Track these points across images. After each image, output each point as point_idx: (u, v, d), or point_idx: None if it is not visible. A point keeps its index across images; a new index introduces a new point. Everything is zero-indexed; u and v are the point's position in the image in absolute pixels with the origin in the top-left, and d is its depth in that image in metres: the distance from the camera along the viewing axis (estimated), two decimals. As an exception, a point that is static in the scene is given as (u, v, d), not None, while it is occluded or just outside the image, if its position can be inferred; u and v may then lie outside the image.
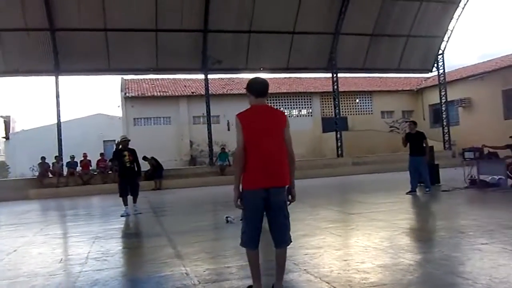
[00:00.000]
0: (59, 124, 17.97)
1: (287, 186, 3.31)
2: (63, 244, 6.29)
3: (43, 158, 17.56)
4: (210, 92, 20.29)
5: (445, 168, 13.42)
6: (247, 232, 3.27)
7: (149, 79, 27.59)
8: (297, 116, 27.48)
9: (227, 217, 7.24)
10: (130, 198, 9.18)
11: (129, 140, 9.24)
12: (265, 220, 3.31)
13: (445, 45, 22.46)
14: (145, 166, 15.28)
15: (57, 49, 17.40)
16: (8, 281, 4.22)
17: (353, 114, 28.46)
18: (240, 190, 3.29)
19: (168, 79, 28.21)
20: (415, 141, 9.73)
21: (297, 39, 20.28)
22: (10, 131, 32.84)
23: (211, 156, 20.15)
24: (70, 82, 69.52)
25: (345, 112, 27.49)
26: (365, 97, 29.12)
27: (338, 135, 21.09)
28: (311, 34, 20.47)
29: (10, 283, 4.12)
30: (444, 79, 22.63)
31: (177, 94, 26.31)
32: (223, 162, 19.49)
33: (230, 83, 28.27)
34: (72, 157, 17.71)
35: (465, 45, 74.18)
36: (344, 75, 24.16)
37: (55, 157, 17.58)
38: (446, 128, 22.42)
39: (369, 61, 21.88)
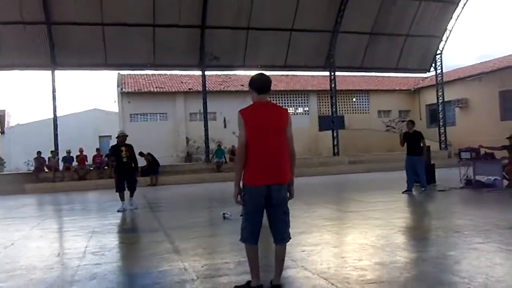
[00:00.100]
0: (55, 118, 17.89)
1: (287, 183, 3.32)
2: (61, 238, 6.28)
3: (39, 152, 17.50)
4: (207, 89, 20.25)
5: (440, 168, 13.49)
6: (247, 227, 3.29)
7: (146, 74, 27.51)
8: (294, 114, 27.50)
9: (224, 214, 7.27)
10: (126, 193, 9.18)
11: (126, 136, 9.23)
12: (264, 217, 3.33)
13: (444, 45, 22.56)
14: (141, 162, 15.27)
15: (54, 43, 17.30)
16: (6, 274, 4.21)
17: (350, 113, 28.54)
18: (241, 186, 3.30)
19: (165, 75, 28.13)
20: (412, 140, 9.77)
21: (295, 37, 20.28)
22: (5, 126, 32.67)
23: (208, 153, 20.14)
24: (66, 77, 69.10)
25: (342, 110, 27.56)
26: (362, 96, 29.21)
27: (335, 134, 21.14)
28: (310, 32, 20.46)
29: (8, 276, 4.12)
30: (442, 79, 22.73)
31: (173, 90, 26.26)
32: (220, 159, 19.49)
33: (227, 80, 28.24)
34: (68, 152, 17.65)
35: (463, 46, 74.52)
36: (342, 74, 24.19)
37: (51, 151, 17.53)
38: (442, 128, 22.52)
39: (367, 60, 21.93)
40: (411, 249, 4.65)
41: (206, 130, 19.81)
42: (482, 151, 10.03)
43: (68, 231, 6.87)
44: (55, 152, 17.50)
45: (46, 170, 17.34)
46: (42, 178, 16.83)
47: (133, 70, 23.02)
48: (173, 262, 4.37)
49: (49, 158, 17.51)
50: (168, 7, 17.86)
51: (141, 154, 16.67)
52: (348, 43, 21.16)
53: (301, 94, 27.96)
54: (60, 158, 17.66)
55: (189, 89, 26.15)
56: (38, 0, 16.30)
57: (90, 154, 18.46)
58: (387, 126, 28.74)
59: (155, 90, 26.11)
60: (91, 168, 17.86)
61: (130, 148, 9.08)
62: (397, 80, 30.49)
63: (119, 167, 9.07)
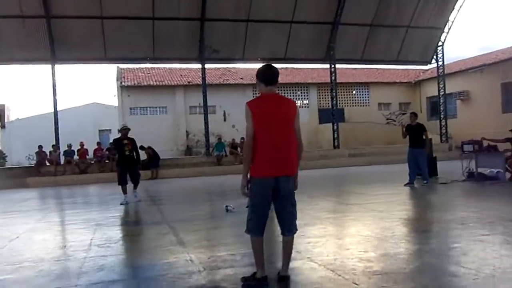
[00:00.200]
0: (55, 113, 17.88)
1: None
2: (66, 231, 6.30)
3: (40, 146, 17.51)
4: (206, 82, 20.21)
5: (441, 161, 13.51)
6: (253, 219, 3.29)
7: (145, 68, 27.43)
8: (294, 107, 27.43)
9: (226, 206, 7.28)
10: (129, 186, 9.19)
11: (129, 129, 9.23)
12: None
13: (445, 37, 22.44)
14: (141, 156, 15.26)
15: (53, 37, 17.25)
16: (13, 266, 4.23)
17: (350, 106, 28.50)
18: (248, 177, 3.29)
19: (164, 68, 28.05)
20: (415, 133, 9.75)
21: (295, 29, 20.19)
22: (5, 120, 32.65)
23: (208, 146, 20.15)
24: (65, 71, 68.90)
25: (342, 103, 27.52)
26: (362, 89, 29.14)
27: (335, 127, 21.13)
28: (310, 24, 20.37)
29: (16, 268, 4.14)
30: (443, 71, 22.64)
31: (173, 83, 26.19)
32: (220, 152, 19.51)
33: (227, 73, 28.16)
34: (69, 146, 17.66)
35: (463, 38, 74.26)
36: (341, 66, 24.12)
37: (52, 145, 17.55)
38: (443, 121, 22.50)
39: (367, 52, 21.84)
40: (416, 240, 4.67)
41: (206, 123, 19.79)
42: (485, 143, 10.03)
43: (72, 224, 6.88)
44: (56, 146, 17.52)
45: (48, 164, 17.36)
46: (44, 172, 16.87)
47: (133, 63, 22.96)
48: (179, 254, 4.39)
49: (50, 152, 17.54)
50: (167, 0, 17.77)
51: (141, 147, 16.68)
52: (349, 35, 21.06)
53: (301, 87, 27.90)
54: (61, 152, 17.67)
55: (189, 82, 26.08)
56: (37, -7, 16.22)
57: (90, 148, 18.46)
58: (388, 118, 28.73)
59: (155, 83, 26.04)
60: (92, 162, 17.88)
61: (132, 141, 9.10)
62: (397, 73, 30.41)
63: (122, 160, 9.08)
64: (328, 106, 24.21)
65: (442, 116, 22.60)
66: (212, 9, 18.45)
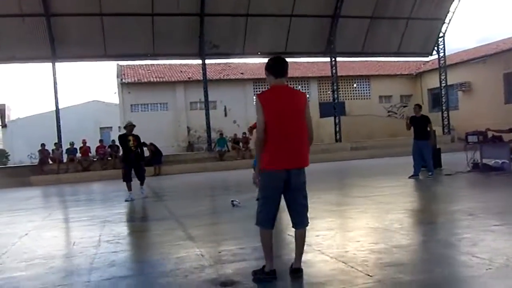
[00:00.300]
0: (57, 111, 17.88)
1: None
2: (74, 228, 6.31)
3: (43, 145, 17.52)
4: (206, 77, 20.16)
5: (444, 152, 13.48)
6: (263, 211, 3.28)
7: (145, 65, 27.37)
8: (295, 101, 27.37)
9: (232, 201, 7.30)
10: (133, 183, 9.19)
11: (134, 126, 9.23)
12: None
13: (446, 28, 22.32)
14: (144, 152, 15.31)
15: (53, 35, 17.21)
16: (25, 263, 4.24)
17: (351, 99, 28.43)
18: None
19: (164, 64, 27.98)
20: (419, 124, 9.71)
21: (295, 23, 20.11)
22: (6, 119, 32.67)
23: (210, 141, 20.14)
24: (66, 69, 68.79)
25: (343, 97, 27.45)
26: (363, 82, 29.06)
27: (337, 120, 21.09)
28: (310, 17, 20.29)
29: (28, 265, 4.14)
30: (445, 62, 22.56)
31: (173, 79, 26.14)
32: (222, 147, 19.51)
33: (227, 68, 28.08)
34: (72, 144, 17.68)
35: (462, 29, 73.96)
36: (342, 60, 24.05)
37: (55, 143, 17.57)
38: (445, 112, 22.44)
39: (368, 45, 21.77)
40: (426, 232, 4.67)
41: (207, 119, 19.77)
42: (490, 134, 10.00)
43: (79, 221, 6.89)
44: (58, 144, 17.54)
45: (51, 162, 17.39)
46: (47, 170, 16.90)
47: (133, 60, 22.87)
48: (189, 249, 4.39)
49: (53, 150, 17.55)
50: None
51: (144, 144, 16.70)
52: (349, 28, 20.97)
53: (302, 81, 27.82)
54: (64, 150, 17.68)
55: (189, 78, 26.02)
56: (36, -8, 16.16)
57: (92, 146, 18.48)
58: (389, 111, 28.68)
59: (155, 80, 26.00)
60: (95, 159, 17.89)
61: (137, 138, 9.12)
62: (398, 65, 30.31)
63: (127, 157, 9.08)
64: (329, 99, 24.16)
65: (444, 107, 22.54)
66: (211, 4, 18.37)
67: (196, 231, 5.35)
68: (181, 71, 27.20)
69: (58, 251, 4.65)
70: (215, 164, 18.38)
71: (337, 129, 21.05)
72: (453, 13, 21.91)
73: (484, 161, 10.01)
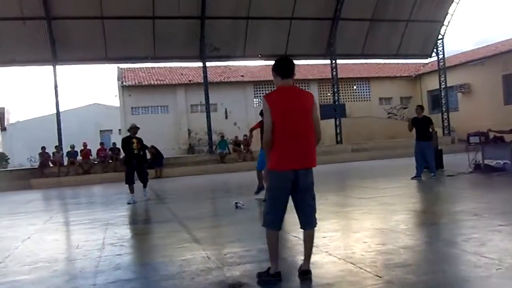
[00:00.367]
0: (58, 113, 17.88)
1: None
2: (76, 231, 6.26)
3: (43, 148, 17.51)
4: (207, 80, 20.14)
5: (445, 154, 13.45)
6: (271, 212, 3.25)
7: (146, 68, 27.39)
8: (295, 103, 27.37)
9: (236, 203, 7.27)
10: (136, 186, 9.16)
11: (138, 128, 9.21)
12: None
13: (445, 30, 22.42)
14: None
15: (54, 38, 17.22)
16: (29, 266, 4.20)
17: (351, 101, 28.48)
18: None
19: (164, 67, 28.01)
20: (421, 125, 9.70)
21: (295, 25, 20.15)
22: (5, 123, 32.66)
23: (211, 144, 20.13)
24: (66, 72, 68.94)
25: (343, 99, 27.48)
26: (362, 84, 29.11)
27: (337, 122, 21.09)
28: (310, 20, 20.33)
29: (32, 269, 4.11)
30: (444, 64, 22.63)
31: (174, 82, 26.17)
32: (223, 150, 19.50)
33: (227, 71, 28.12)
34: (72, 147, 17.66)
35: (460, 31, 74.15)
36: (342, 62, 24.09)
37: (55, 146, 17.55)
38: (445, 114, 22.47)
39: (368, 47, 21.82)
40: (432, 232, 4.64)
41: (208, 121, 19.77)
42: (491, 135, 10.00)
43: (81, 223, 6.85)
44: (59, 147, 17.52)
45: (51, 165, 17.35)
46: (48, 173, 16.87)
47: (134, 63, 22.90)
48: (195, 251, 4.36)
49: (53, 153, 17.53)
50: (167, -1, 17.74)
51: (145, 147, 16.70)
52: (349, 31, 21.03)
53: (302, 83, 27.76)
54: (64, 153, 17.65)
55: (189, 81, 26.05)
56: (38, -5, 16.19)
57: (92, 148, 18.46)
58: (389, 113, 28.72)
59: (156, 82, 26.02)
60: (96, 162, 17.86)
61: (140, 141, 9.11)
62: (397, 67, 30.38)
63: (130, 159, 9.05)
64: (329, 102, 24.18)
65: (444, 109, 22.57)
66: (212, 7, 18.40)
67: (201, 233, 5.32)
68: (182, 74, 27.22)
69: (62, 254, 4.62)
70: (216, 167, 18.36)
71: (338, 131, 21.05)
72: (452, 15, 21.98)
73: (486, 162, 10.00)
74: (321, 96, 27.83)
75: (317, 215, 3.37)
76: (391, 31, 21.88)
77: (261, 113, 8.08)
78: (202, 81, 20.14)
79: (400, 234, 4.49)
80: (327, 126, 23.29)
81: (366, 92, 29.11)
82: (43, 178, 16.50)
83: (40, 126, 27.52)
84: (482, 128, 10.60)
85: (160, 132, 23.53)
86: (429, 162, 9.81)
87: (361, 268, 3.36)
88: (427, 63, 28.25)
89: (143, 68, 27.37)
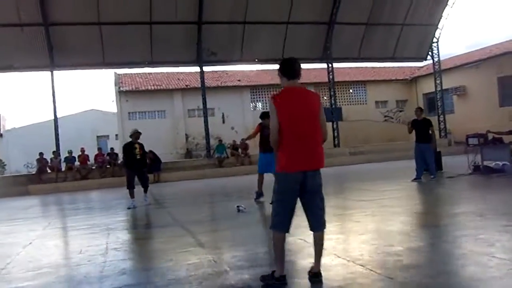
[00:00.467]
0: (55, 119, 17.79)
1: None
2: (78, 236, 6.19)
3: (41, 153, 17.37)
4: (204, 84, 20.11)
5: (442, 156, 13.48)
6: (279, 214, 3.22)
7: (143, 73, 27.33)
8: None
9: (238, 206, 7.24)
10: (135, 191, 9.10)
11: (140, 133, 9.17)
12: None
13: (440, 33, 22.58)
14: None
15: (52, 44, 17.17)
16: (32, 272, 4.15)
17: (347, 105, 28.52)
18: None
19: (161, 72, 27.97)
20: (421, 128, 9.72)
21: (291, 30, 20.20)
22: (1, 129, 32.46)
23: (209, 148, 20.07)
24: (63, 78, 68.76)
25: (339, 102, 27.49)
26: (359, 87, 29.20)
27: (335, 125, 21.13)
28: (306, 24, 20.40)
29: (36, 275, 4.05)
30: (439, 67, 22.77)
31: (171, 87, 26.11)
32: (221, 154, 19.45)
33: (224, 75, 28.11)
34: (70, 152, 17.55)
35: (452, 35, 74.80)
36: (338, 66, 24.15)
37: (53, 152, 17.44)
38: (441, 116, 22.58)
39: (364, 51, 21.90)
40: (438, 233, 4.63)
41: (206, 125, 19.72)
42: (490, 136, 10.04)
43: (82, 229, 6.77)
44: (56, 153, 17.40)
45: (49, 171, 17.23)
46: (45, 179, 16.73)
47: (131, 68, 22.78)
48: (200, 255, 4.32)
49: (51, 159, 17.40)
50: (164, 4, 17.73)
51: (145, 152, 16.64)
52: (345, 34, 21.11)
53: (299, 87, 27.82)
54: (62, 159, 17.54)
55: (186, 85, 26.01)
56: (35, 1, 16.16)
57: (89, 154, 18.31)
58: (385, 116, 28.81)
59: (153, 88, 25.96)
60: (93, 168, 17.75)
61: (142, 146, 9.09)
62: (393, 71, 30.52)
63: (132, 164, 9.00)
64: (326, 105, 24.19)
65: (440, 111, 22.69)
66: (209, 12, 18.42)
67: (204, 237, 5.28)
68: (179, 79, 27.19)
69: (65, 260, 4.57)
70: (214, 171, 18.29)
71: (335, 134, 21.08)
72: (446, 18, 22.18)
73: (485, 163, 10.03)
74: (317, 100, 27.79)
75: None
76: (387, 35, 22.00)
77: (262, 116, 8.11)
78: (199, 86, 20.09)
79: (406, 235, 4.49)
80: (325, 130, 23.31)
81: (362, 95, 29.20)
82: (41, 184, 16.36)
83: (36, 133, 27.36)
84: (478, 130, 10.65)
85: (158, 137, 23.41)
86: (429, 164, 9.81)
87: (371, 270, 3.34)
88: (422, 66, 28.42)
89: (140, 73, 27.30)
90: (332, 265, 3.60)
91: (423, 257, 3.65)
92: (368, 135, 23.93)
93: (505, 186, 8.28)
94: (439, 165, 11.30)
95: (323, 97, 27.07)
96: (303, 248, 4.19)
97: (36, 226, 7.49)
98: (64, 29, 17.22)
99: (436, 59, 22.78)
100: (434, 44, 22.79)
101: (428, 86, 25.43)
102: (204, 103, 19.71)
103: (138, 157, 8.91)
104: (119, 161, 17.04)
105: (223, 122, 25.81)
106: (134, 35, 18.21)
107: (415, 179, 9.62)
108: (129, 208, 8.71)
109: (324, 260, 3.66)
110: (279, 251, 3.25)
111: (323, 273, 3.24)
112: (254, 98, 26.59)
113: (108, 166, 17.49)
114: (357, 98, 29.11)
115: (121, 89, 25.07)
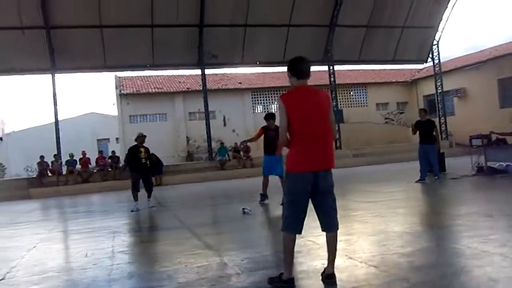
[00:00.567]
0: (56, 122, 17.78)
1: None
2: (82, 239, 6.12)
3: (42, 157, 17.32)
4: (206, 87, 20.10)
5: (445, 157, 13.50)
6: (291, 216, 3.17)
7: (144, 76, 27.35)
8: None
9: (243, 209, 7.20)
10: (141, 194, 9.07)
11: (145, 136, 9.17)
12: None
13: (440, 35, 22.63)
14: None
15: (53, 47, 17.18)
16: (38, 276, 4.08)
17: (348, 107, 28.49)
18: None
19: (162, 75, 27.93)
20: (425, 129, 9.71)
21: (292, 32, 20.24)
22: (1, 133, 32.42)
23: (210, 151, 20.03)
24: (63, 82, 68.57)
25: (341, 104, 27.48)
26: (359, 90, 29.18)
27: (336, 127, 21.11)
28: (307, 27, 20.44)
29: (42, 278, 3.99)
30: (440, 69, 22.81)
31: (172, 90, 26.08)
32: (223, 157, 19.41)
33: (224, 78, 28.08)
34: (71, 156, 17.52)
35: (451, 38, 75.00)
36: (339, 68, 24.18)
37: (54, 155, 17.40)
38: (442, 118, 22.58)
39: (364, 53, 21.96)
40: (449, 234, 4.59)
41: (208, 128, 19.71)
42: (494, 137, 10.02)
43: (87, 232, 6.72)
44: (58, 156, 17.35)
45: (50, 174, 17.18)
46: (46, 183, 16.68)
47: (133, 71, 22.82)
48: (210, 257, 4.27)
49: (52, 162, 17.35)
50: (165, 7, 17.75)
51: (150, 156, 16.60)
52: (346, 37, 21.16)
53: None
54: (63, 162, 17.49)
55: (187, 88, 25.98)
56: (36, 4, 16.19)
57: (90, 157, 18.27)
58: (386, 118, 28.80)
59: (153, 90, 25.91)
60: (95, 171, 17.71)
61: (147, 150, 9.07)
62: (393, 73, 30.52)
63: (137, 168, 8.97)
64: (328, 107, 24.16)
65: (440, 113, 22.69)
66: (210, 15, 18.45)
67: (212, 240, 5.23)
68: (180, 82, 27.16)
69: (71, 263, 4.52)
70: (216, 174, 18.26)
71: (338, 136, 21.06)
72: (446, 21, 22.21)
73: (489, 164, 10.01)
74: (318, 102, 27.78)
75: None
76: (387, 37, 22.05)
77: (266, 117, 8.08)
78: (200, 88, 20.09)
79: (416, 236, 4.45)
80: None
81: (363, 97, 29.19)
82: (42, 188, 16.31)
83: (36, 136, 27.31)
84: (479, 131, 10.62)
85: (159, 140, 23.30)
86: (433, 165, 9.80)
87: (385, 271, 3.30)
88: (422, 69, 28.44)
89: (141, 76, 27.30)
90: (344, 266, 3.56)
91: (436, 257, 3.61)
92: (369, 137, 23.92)
93: (509, 187, 8.25)
94: (443, 167, 11.29)
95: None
96: (312, 249, 4.14)
97: (40, 229, 7.44)
98: (65, 32, 17.24)
99: (436, 61, 22.82)
100: (434, 47, 22.84)
101: (429, 88, 25.44)
102: (206, 105, 19.70)
103: (143, 160, 8.89)
104: (120, 164, 17.01)
105: (224, 124, 25.76)
106: (136, 38, 18.24)
107: (419, 180, 9.59)
108: (132, 211, 8.66)
109: (336, 262, 3.62)
110: (288, 252, 3.20)
111: (336, 275, 3.19)
112: (255, 100, 26.56)
113: (109, 169, 17.45)
114: (358, 100, 29.10)
115: (122, 92, 25.03)
